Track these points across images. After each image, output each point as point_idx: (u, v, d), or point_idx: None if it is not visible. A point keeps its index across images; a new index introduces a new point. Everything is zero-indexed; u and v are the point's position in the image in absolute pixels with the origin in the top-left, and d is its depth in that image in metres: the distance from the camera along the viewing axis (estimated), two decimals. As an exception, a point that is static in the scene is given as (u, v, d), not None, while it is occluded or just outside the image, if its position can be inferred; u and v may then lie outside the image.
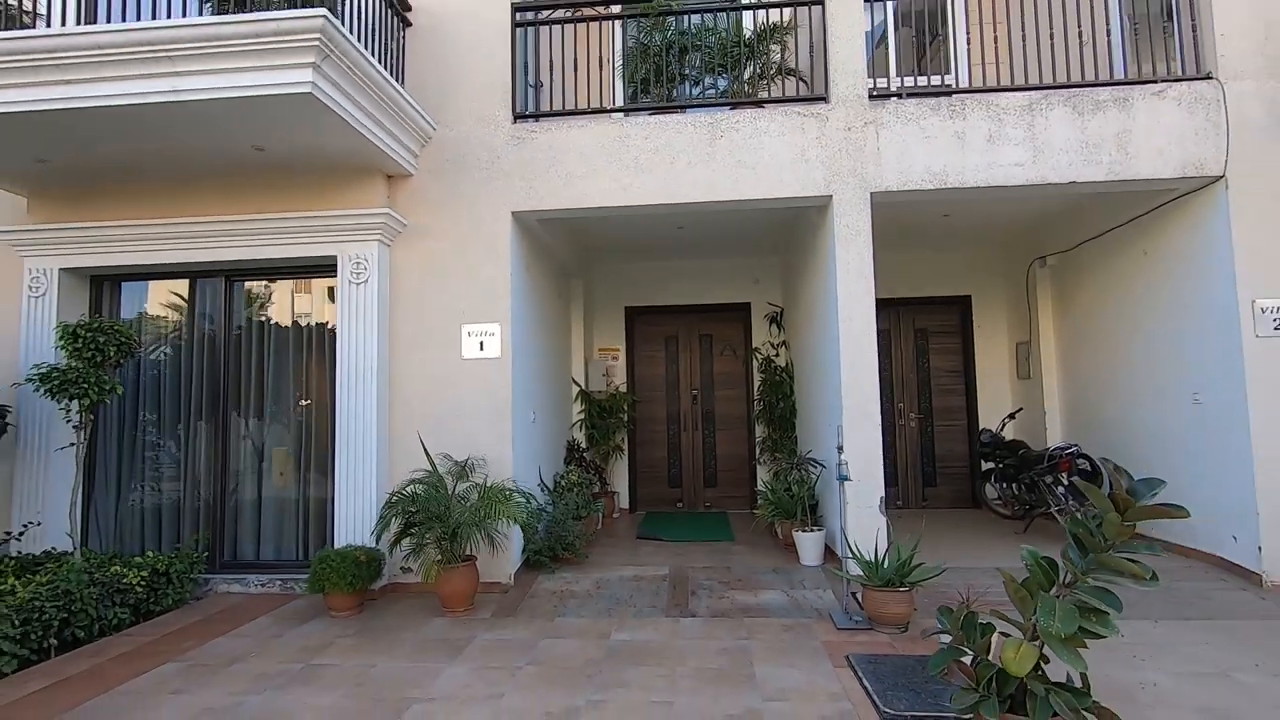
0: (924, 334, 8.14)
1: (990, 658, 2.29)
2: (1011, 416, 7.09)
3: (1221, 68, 4.88)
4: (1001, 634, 2.35)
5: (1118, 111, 4.93)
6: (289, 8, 4.26)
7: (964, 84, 6.03)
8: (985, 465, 7.19)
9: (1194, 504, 4.43)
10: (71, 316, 5.32)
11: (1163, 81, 4.97)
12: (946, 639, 2.81)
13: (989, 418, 7.64)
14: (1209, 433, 5.03)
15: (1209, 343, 5.00)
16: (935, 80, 6.42)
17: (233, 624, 4.43)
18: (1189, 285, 5.22)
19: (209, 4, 4.74)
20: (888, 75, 6.07)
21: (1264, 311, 4.69)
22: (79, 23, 4.69)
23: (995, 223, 6.90)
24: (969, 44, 6.22)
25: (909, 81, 5.64)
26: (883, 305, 7.66)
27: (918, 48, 6.61)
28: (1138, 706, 3.03)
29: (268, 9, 4.32)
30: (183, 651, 3.95)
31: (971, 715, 2.29)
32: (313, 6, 3.87)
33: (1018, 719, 2.18)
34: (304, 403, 5.45)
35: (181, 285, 5.59)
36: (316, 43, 3.84)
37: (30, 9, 4.70)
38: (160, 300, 5.68)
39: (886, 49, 6.36)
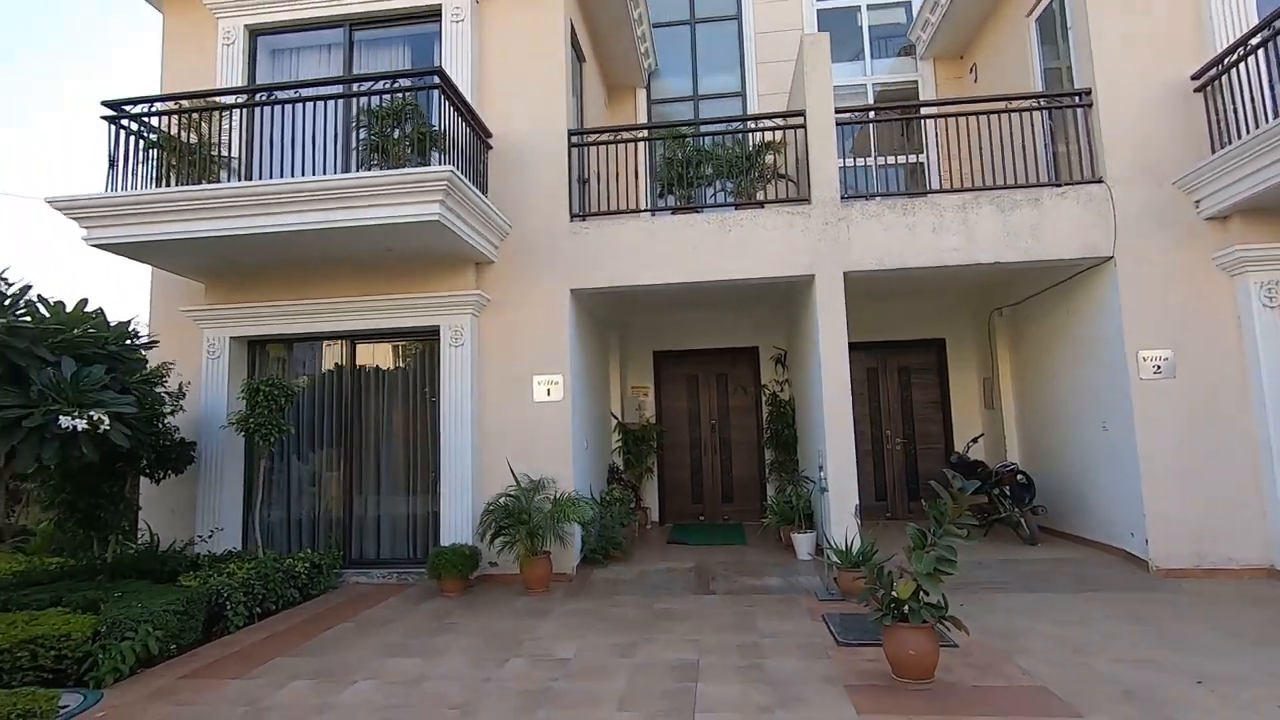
0: (906, 371, 9.65)
1: (891, 592, 3.79)
2: (975, 441, 8.54)
3: (1109, 174, 6.42)
4: (900, 579, 3.84)
5: (1031, 208, 6.49)
6: (416, 154, 6.02)
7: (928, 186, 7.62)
8: (957, 482, 8.62)
9: (1105, 509, 6.21)
10: (238, 374, 7.06)
11: (1065, 185, 6.54)
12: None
13: (961, 442, 9.09)
14: (1112, 453, 6.48)
15: (1110, 383, 6.48)
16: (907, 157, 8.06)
17: (372, 603, 6.01)
18: (1096, 337, 6.71)
19: (356, 152, 6.47)
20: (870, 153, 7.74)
21: (1145, 360, 6.16)
22: (256, 169, 6.48)
23: (959, 282, 8.41)
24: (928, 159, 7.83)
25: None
26: (871, 348, 9.31)
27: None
28: (1015, 637, 4.49)
29: (400, 159, 6.03)
30: (348, 617, 5.54)
31: (874, 625, 3.82)
32: (442, 164, 5.59)
33: (905, 624, 3.68)
34: (419, 447, 7.09)
35: (319, 347, 7.30)
36: (445, 187, 5.54)
37: (227, 155, 6.49)
38: (302, 359, 7.38)
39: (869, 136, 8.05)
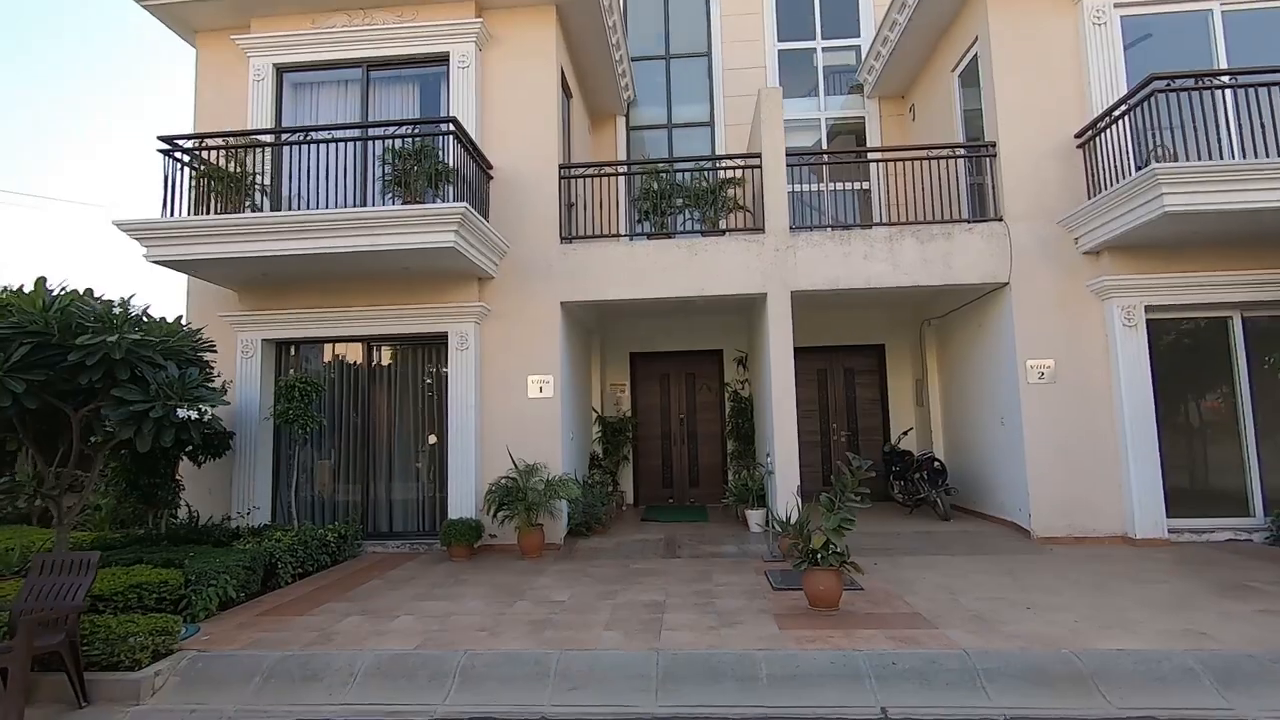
0: (851, 372, 11.00)
1: (809, 545, 5.06)
2: (905, 434, 9.92)
3: (1007, 213, 7.78)
4: (816, 534, 5.11)
5: (945, 240, 7.83)
6: (430, 187, 7.13)
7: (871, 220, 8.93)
8: (892, 469, 10.01)
9: (1002, 491, 7.67)
10: (269, 372, 8.11)
11: (972, 221, 7.89)
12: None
13: (896, 435, 10.47)
14: (1008, 443, 7.87)
15: (1006, 386, 7.86)
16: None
17: (392, 566, 7.14)
18: (996, 347, 8.08)
19: (378, 183, 7.54)
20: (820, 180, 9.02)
21: (1032, 367, 7.55)
22: (285, 195, 7.53)
23: (893, 297, 9.74)
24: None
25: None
26: (821, 351, 10.63)
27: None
28: (909, 584, 5.80)
29: (417, 192, 7.13)
30: (376, 575, 6.67)
31: (796, 569, 5.09)
32: (454, 197, 6.71)
33: (818, 568, 4.96)
34: (432, 440, 8.21)
35: (340, 348, 8.37)
36: (459, 219, 6.67)
37: (263, 183, 7.53)
38: (323, 358, 8.44)
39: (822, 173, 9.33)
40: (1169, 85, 6.59)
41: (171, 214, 7.19)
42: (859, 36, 11.34)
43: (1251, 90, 6.63)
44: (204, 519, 7.65)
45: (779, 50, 11.48)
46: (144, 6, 8.31)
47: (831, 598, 4.99)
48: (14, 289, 5.14)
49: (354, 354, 8.38)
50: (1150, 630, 4.46)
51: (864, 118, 11.30)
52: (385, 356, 8.42)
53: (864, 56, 11.03)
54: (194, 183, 7.37)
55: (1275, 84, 6.54)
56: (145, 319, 5.28)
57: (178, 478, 7.44)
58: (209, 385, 5.77)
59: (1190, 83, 6.65)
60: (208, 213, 7.34)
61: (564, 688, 4.06)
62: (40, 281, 4.84)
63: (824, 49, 11.52)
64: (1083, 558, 6.68)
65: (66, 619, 4.03)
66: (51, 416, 5.40)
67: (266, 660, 4.39)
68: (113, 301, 5.17)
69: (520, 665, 4.25)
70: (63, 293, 4.93)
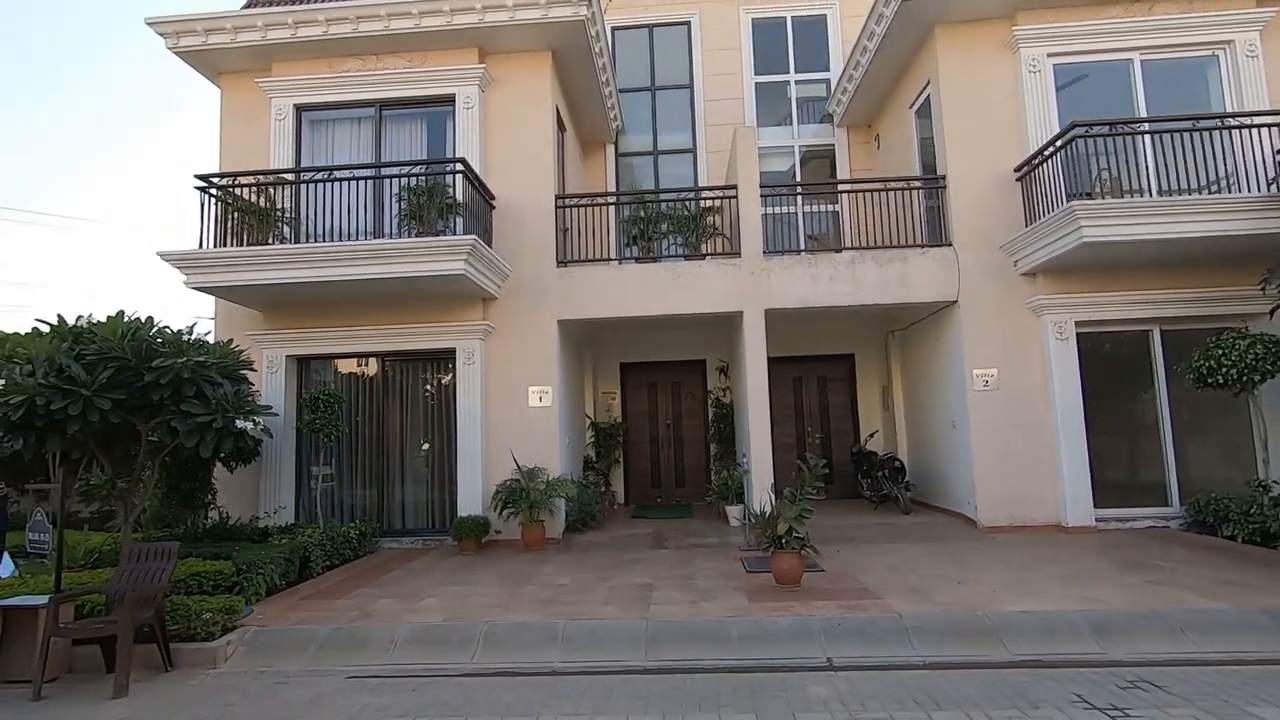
0: (824, 380, 11.95)
1: (776, 532, 5.95)
2: (871, 436, 10.87)
3: (956, 239, 8.75)
4: (781, 522, 6.00)
5: (901, 263, 8.78)
6: (441, 218, 7.98)
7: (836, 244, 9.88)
8: (860, 469, 10.95)
9: (954, 486, 8.63)
10: (291, 385, 8.92)
11: (926, 247, 8.85)
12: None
13: (864, 437, 11.42)
14: (959, 444, 8.82)
15: (956, 392, 8.81)
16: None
17: (409, 559, 7.96)
18: (948, 357, 9.05)
19: (392, 214, 8.39)
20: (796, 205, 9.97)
21: (977, 376, 8.50)
22: (306, 225, 8.36)
23: (861, 311, 10.68)
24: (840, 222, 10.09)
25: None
26: (796, 361, 11.56)
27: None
28: (864, 567, 6.70)
29: (429, 224, 7.98)
30: (396, 567, 7.49)
31: (765, 553, 5.99)
32: (463, 229, 7.59)
33: (782, 550, 5.85)
34: (424, 446, 9.05)
35: (357, 362, 9.19)
36: (469, 249, 7.54)
37: (288, 215, 8.35)
38: (341, 372, 9.26)
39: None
40: (1088, 131, 7.58)
41: (205, 245, 8.01)
42: (829, 70, 12.31)
43: (1165, 135, 7.66)
44: (233, 519, 8.43)
45: (756, 83, 12.44)
46: (174, 52, 9.12)
47: (794, 576, 5.89)
48: (89, 317, 5.94)
49: (370, 368, 9.21)
50: (1054, 597, 5.39)
51: (834, 145, 12.28)
52: (398, 370, 9.25)
53: (833, 90, 12.00)
54: (228, 215, 8.19)
55: (1178, 130, 7.56)
56: (203, 343, 6.09)
57: (213, 482, 8.23)
58: (255, 400, 6.57)
59: (1105, 129, 7.65)
60: (240, 243, 8.15)
61: (570, 649, 4.93)
62: (120, 314, 5.64)
63: (797, 81, 12.49)
64: (1019, 543, 7.62)
65: (155, 598, 4.85)
66: (112, 428, 6.20)
67: (319, 632, 5.22)
68: (178, 330, 6.00)
69: (533, 632, 5.11)
70: (135, 320, 5.74)
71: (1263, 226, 7.12)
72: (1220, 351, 7.24)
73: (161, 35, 8.98)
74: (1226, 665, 4.31)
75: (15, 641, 4.89)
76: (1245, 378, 7.10)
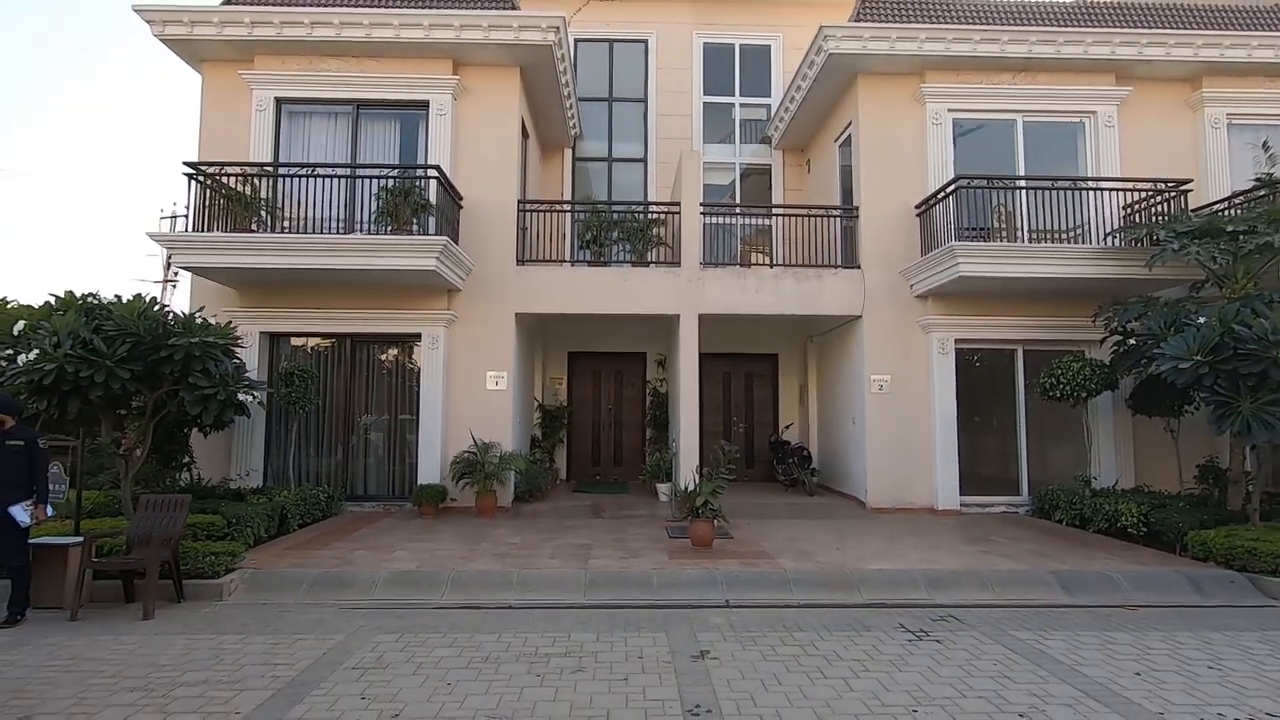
0: (750, 376, 13.38)
1: (694, 504, 7.24)
2: (787, 428, 12.37)
3: (863, 262, 10.21)
4: (698, 496, 7.30)
5: (817, 280, 10.19)
6: (413, 216, 8.89)
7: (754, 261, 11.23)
8: (776, 455, 12.44)
9: (851, 473, 10.25)
10: (264, 360, 9.67)
11: (839, 268, 10.29)
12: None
13: (781, 428, 12.91)
14: (856, 437, 10.36)
15: (856, 393, 10.33)
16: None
17: (373, 521, 8.93)
18: (853, 363, 10.55)
19: (365, 209, 9.22)
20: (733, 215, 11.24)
21: (874, 380, 10.03)
22: (285, 213, 9.13)
23: (782, 319, 12.11)
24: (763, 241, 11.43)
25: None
26: (727, 357, 12.91)
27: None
28: (767, 536, 8.09)
29: (403, 221, 8.87)
30: (364, 526, 8.46)
31: (686, 522, 7.29)
32: (434, 228, 8.54)
33: (698, 518, 7.15)
34: (387, 419, 9.98)
35: (327, 341, 10.00)
36: (441, 248, 8.50)
37: (268, 203, 9.08)
38: (311, 347, 10.05)
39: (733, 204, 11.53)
40: (969, 184, 9.11)
41: (191, 229, 8.68)
42: (770, 96, 13.61)
43: (1034, 191, 9.28)
44: (205, 480, 9.18)
45: (704, 102, 13.64)
46: (160, 39, 9.62)
47: (707, 539, 7.21)
48: (101, 297, 6.63)
49: (341, 347, 10.04)
50: (906, 560, 6.88)
51: (771, 165, 13.62)
52: (365, 350, 10.11)
53: (772, 115, 13.31)
54: (212, 200, 8.85)
55: (1042, 188, 9.19)
56: (208, 324, 6.89)
57: (189, 445, 8.96)
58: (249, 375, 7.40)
59: (983, 183, 9.22)
60: (224, 228, 8.85)
61: (523, 590, 6.09)
62: (138, 296, 6.40)
63: (741, 104, 13.75)
64: (896, 521, 9.19)
65: (173, 540, 5.75)
66: (115, 396, 6.95)
67: (309, 574, 6.22)
68: (186, 313, 6.80)
69: (491, 577, 6.25)
70: (149, 301, 6.51)
71: (1100, 271, 8.80)
72: (1059, 371, 8.92)
73: (148, 23, 9.48)
74: (1012, 608, 5.84)
75: (41, 574, 5.71)
76: (1076, 393, 8.80)
